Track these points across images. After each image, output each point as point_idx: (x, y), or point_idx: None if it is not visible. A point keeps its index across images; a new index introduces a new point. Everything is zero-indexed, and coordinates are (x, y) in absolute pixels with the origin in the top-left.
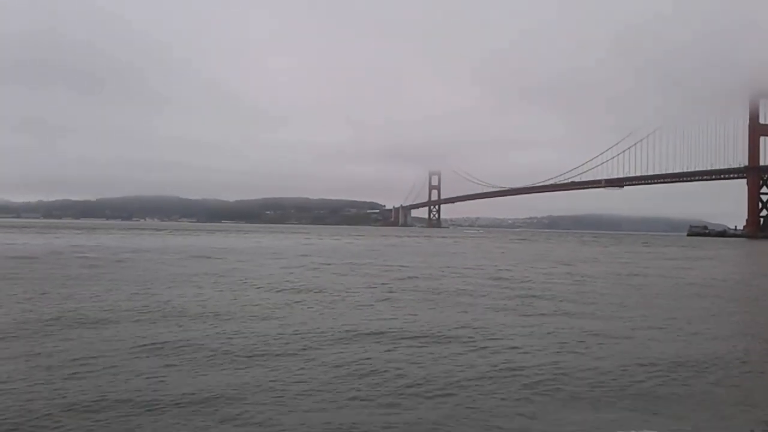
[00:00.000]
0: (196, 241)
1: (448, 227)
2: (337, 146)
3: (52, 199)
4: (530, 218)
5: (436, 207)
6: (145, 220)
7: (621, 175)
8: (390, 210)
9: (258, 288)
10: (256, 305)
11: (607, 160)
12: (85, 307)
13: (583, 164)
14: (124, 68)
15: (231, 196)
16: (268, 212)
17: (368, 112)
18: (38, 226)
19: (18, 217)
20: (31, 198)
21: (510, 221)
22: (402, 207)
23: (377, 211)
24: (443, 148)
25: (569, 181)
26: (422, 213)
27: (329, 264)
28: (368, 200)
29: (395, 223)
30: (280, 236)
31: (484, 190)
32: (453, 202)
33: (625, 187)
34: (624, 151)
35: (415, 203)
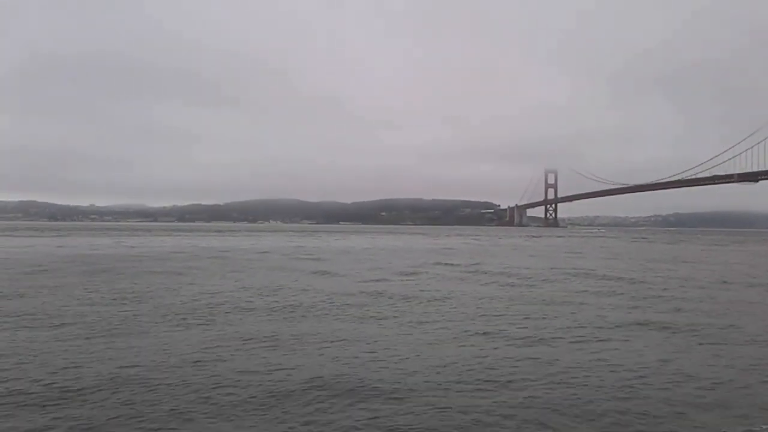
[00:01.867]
0: (319, 243)
1: (565, 227)
2: (449, 147)
3: (185, 203)
4: (653, 216)
5: (553, 206)
6: (269, 222)
7: (755, 169)
8: (505, 210)
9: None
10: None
11: (738, 155)
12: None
13: (711, 159)
14: (237, 80)
15: (348, 198)
16: (383, 213)
17: (479, 110)
18: (169, 229)
19: (155, 221)
20: (167, 203)
21: (632, 220)
22: (517, 206)
23: (492, 210)
24: (559, 144)
25: (697, 176)
26: (538, 212)
27: (452, 265)
28: (482, 200)
29: (510, 223)
30: (398, 237)
31: (603, 188)
32: (570, 201)
33: (760, 182)
34: (757, 144)
35: (530, 202)
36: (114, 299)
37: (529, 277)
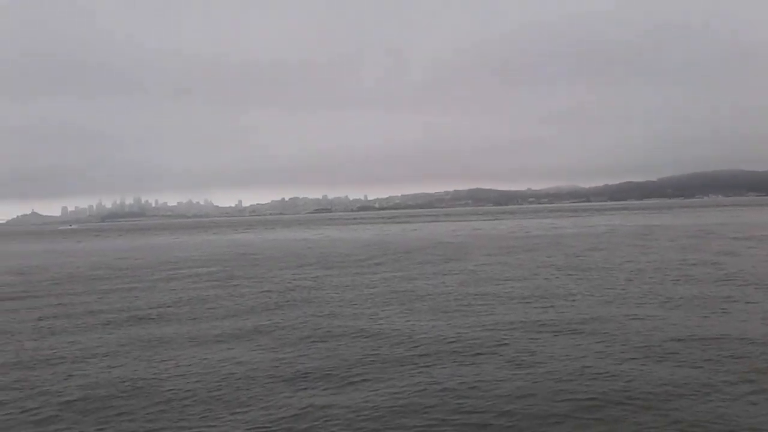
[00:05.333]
0: None
1: None
2: None
3: (616, 182)
4: None
5: None
6: (708, 197)
7: None
8: None
9: None
10: None
11: None
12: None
13: None
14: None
15: None
16: None
17: None
18: (603, 209)
19: (588, 200)
20: (598, 182)
21: None
22: None
23: None
24: None
25: None
26: None
27: None
28: None
29: None
30: None
31: None
32: None
33: None
34: None
35: None
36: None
37: None
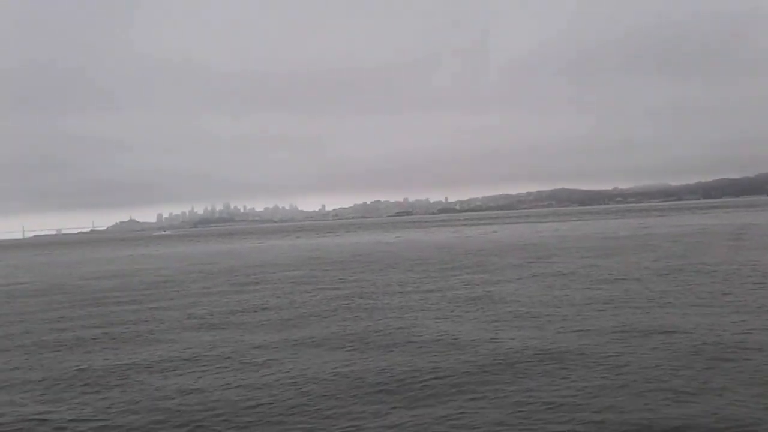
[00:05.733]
0: None
1: None
2: None
3: (709, 179)
4: None
5: None
6: None
7: None
8: None
9: None
10: None
11: None
12: None
13: None
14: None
15: None
16: None
17: None
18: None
19: (679, 199)
20: (690, 180)
21: None
22: None
23: None
24: None
25: None
26: None
27: None
28: None
29: None
30: None
31: None
32: None
33: None
34: None
35: None
36: None
37: None
